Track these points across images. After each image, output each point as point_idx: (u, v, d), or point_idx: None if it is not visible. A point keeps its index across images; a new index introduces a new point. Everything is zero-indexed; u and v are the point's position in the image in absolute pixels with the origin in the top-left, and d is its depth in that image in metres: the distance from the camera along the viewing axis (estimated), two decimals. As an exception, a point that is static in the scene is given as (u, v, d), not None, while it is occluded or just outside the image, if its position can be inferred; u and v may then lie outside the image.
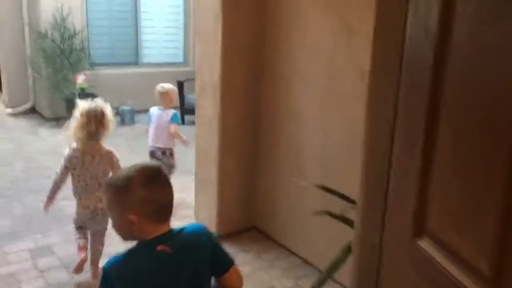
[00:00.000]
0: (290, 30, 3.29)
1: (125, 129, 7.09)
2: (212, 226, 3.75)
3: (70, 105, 6.89)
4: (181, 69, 8.35)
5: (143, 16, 7.90)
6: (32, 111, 7.78)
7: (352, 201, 2.19)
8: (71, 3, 6.94)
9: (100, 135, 2.95)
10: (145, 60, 8.10)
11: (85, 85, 6.95)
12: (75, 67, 6.91)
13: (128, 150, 5.89)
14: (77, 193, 3.03)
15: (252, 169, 3.75)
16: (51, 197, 3.07)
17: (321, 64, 3.07)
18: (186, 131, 7.20)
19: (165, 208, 1.54)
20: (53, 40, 6.86)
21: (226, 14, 3.35)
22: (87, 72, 7.02)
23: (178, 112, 4.72)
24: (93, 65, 7.16)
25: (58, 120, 7.24)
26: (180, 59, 8.50)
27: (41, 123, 7.22)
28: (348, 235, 2.32)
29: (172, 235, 1.55)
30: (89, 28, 7.39)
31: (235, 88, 3.56)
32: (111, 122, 2.99)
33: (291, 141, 3.40)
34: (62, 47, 6.86)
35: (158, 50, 8.25)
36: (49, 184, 3.12)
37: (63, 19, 6.87)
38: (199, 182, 3.92)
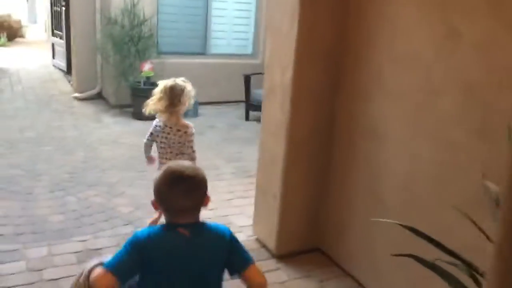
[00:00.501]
0: (376, 34, 2.81)
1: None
2: (271, 242, 3.38)
3: (135, 93, 6.77)
4: (249, 61, 8.02)
5: (213, 5, 7.61)
6: (99, 97, 7.76)
7: (455, 255, 1.73)
8: (142, -11, 6.77)
9: (178, 109, 3.33)
10: (213, 50, 7.83)
11: (150, 74, 6.77)
12: (142, 55, 6.74)
13: None
14: (161, 158, 3.40)
15: (321, 185, 3.33)
16: (148, 157, 3.57)
17: (415, 76, 2.57)
18: (249, 128, 7.03)
19: (181, 210, 1.67)
20: (122, 27, 6.71)
21: (304, 10, 2.92)
22: (154, 60, 6.83)
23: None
24: (160, 53, 6.97)
25: (122, 107, 7.15)
26: (249, 51, 8.16)
27: (105, 110, 7.16)
28: (434, 283, 1.88)
29: (195, 224, 1.70)
30: (159, 16, 7.20)
31: (308, 94, 3.14)
32: (188, 99, 3.37)
33: (368, 162, 2.94)
34: (130, 33, 6.70)
35: (227, 40, 7.95)
36: (105, 178, 3.71)
37: (133, 5, 6.71)
38: (260, 193, 3.55)
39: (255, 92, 7.07)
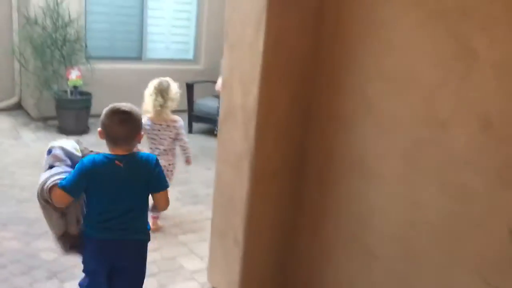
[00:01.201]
0: (362, 47, 2.31)
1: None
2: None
3: (61, 105, 5.93)
4: (190, 67, 7.37)
5: (149, 4, 6.88)
6: (18, 107, 6.79)
7: None
8: (67, -15, 5.92)
9: (167, 105, 3.63)
10: (150, 55, 7.10)
11: (78, 82, 5.95)
12: (68, 61, 5.90)
13: None
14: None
15: (293, 229, 2.79)
16: None
17: (413, 102, 2.09)
18: (194, 143, 6.23)
19: (117, 139, 2.13)
20: (43, 28, 5.84)
21: (272, 18, 2.37)
22: (82, 67, 6.01)
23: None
24: (89, 58, 6.14)
25: (45, 120, 6.27)
26: (190, 55, 7.49)
27: (25, 123, 6.23)
28: None
29: (127, 156, 2.16)
30: (87, 16, 6.37)
31: (276, 119, 2.59)
32: (175, 94, 3.68)
33: (352, 204, 2.43)
34: (54, 36, 5.85)
35: (165, 44, 7.25)
36: (23, 213, 3.53)
37: (57, 4, 5.85)
38: (217, 235, 2.96)
39: (199, 102, 6.44)
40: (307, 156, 2.67)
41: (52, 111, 6.14)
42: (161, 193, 2.23)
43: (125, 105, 2.14)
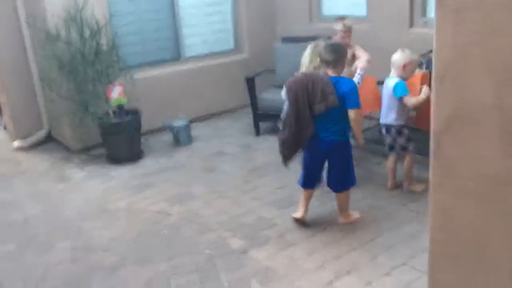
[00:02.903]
0: None
1: (184, 153, 5.12)
2: None
3: (106, 130, 4.94)
4: (234, 58, 6.34)
5: (179, -7, 5.81)
6: (48, 140, 5.77)
7: None
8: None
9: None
10: (189, 53, 6.06)
11: (123, 100, 4.94)
12: (105, 76, 4.88)
13: (203, 190, 3.99)
14: None
15: None
16: None
17: None
18: (266, 147, 5.04)
19: None
20: (68, 42, 4.80)
21: None
22: (121, 80, 4.99)
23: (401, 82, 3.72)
24: (123, 69, 5.09)
25: (89, 151, 5.28)
26: (231, 45, 6.45)
27: (66, 158, 5.22)
28: None
29: None
30: (112, 20, 5.30)
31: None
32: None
33: None
34: (83, 50, 4.80)
35: (202, 37, 6.19)
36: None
37: (80, 11, 4.80)
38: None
39: (264, 96, 5.43)
40: None
41: (94, 139, 5.15)
42: None
43: None
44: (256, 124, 5.44)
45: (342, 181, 3.44)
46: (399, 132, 3.76)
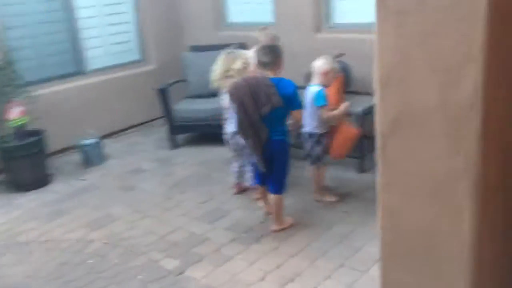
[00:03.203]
0: None
1: (97, 173, 4.79)
2: None
3: (8, 154, 4.48)
4: (140, 69, 6.09)
5: (77, 3, 5.44)
6: None
7: None
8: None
9: None
10: (93, 65, 5.69)
11: (23, 120, 4.49)
12: (2, 95, 4.41)
13: (124, 211, 3.75)
14: None
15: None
16: None
17: None
18: (187, 161, 4.83)
19: None
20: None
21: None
22: (19, 99, 4.54)
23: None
24: (21, 86, 4.63)
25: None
26: (136, 56, 6.18)
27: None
28: None
29: None
30: (5, 33, 4.81)
31: (497, 117, 1.71)
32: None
33: None
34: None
35: (105, 48, 5.86)
36: None
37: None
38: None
39: (178, 107, 5.25)
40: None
41: (-7, 166, 4.63)
42: None
43: None
44: (172, 137, 5.25)
45: (280, 182, 3.45)
46: (318, 141, 3.70)
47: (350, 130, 3.78)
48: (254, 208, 3.81)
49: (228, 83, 3.54)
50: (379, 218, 2.06)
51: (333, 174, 4.15)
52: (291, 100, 3.28)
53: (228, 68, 3.70)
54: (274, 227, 3.49)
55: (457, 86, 1.64)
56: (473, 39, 1.57)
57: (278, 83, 3.26)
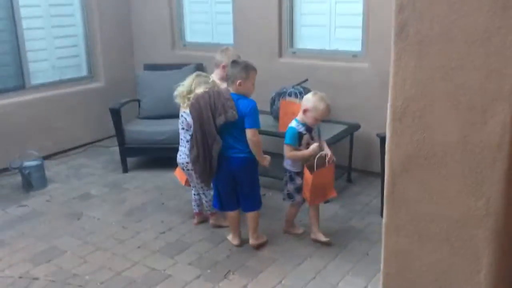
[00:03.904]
0: None
1: (40, 198, 4.34)
2: None
3: None
4: (88, 86, 5.70)
5: (22, 13, 5.01)
6: None
7: None
8: None
9: None
10: (36, 80, 5.25)
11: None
12: None
13: (73, 242, 3.35)
14: None
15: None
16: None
17: None
18: (140, 185, 4.51)
19: None
20: None
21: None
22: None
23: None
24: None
25: None
26: (83, 72, 5.78)
27: None
28: None
29: None
30: None
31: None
32: None
33: None
34: None
35: (50, 62, 5.43)
36: None
37: None
38: None
39: (131, 128, 4.91)
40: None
41: None
42: None
43: None
44: (124, 160, 4.89)
45: (252, 200, 3.36)
46: (291, 178, 3.45)
47: (306, 176, 3.35)
48: (218, 240, 3.55)
49: (185, 104, 3.44)
50: (383, 263, 1.90)
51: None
52: (246, 117, 3.16)
53: (191, 90, 3.49)
54: (252, 241, 3.43)
55: (483, 125, 1.53)
56: (503, 75, 1.47)
57: (238, 99, 3.17)
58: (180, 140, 3.63)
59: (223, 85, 3.86)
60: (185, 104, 3.45)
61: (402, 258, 1.82)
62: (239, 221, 3.47)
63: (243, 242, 3.48)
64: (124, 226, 3.82)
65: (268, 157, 3.38)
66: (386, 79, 4.91)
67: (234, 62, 3.29)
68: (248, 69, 3.22)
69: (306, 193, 3.39)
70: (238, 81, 3.17)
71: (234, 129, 3.18)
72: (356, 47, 4.62)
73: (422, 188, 1.70)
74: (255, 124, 3.20)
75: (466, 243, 1.65)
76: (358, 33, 4.57)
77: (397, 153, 1.72)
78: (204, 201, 3.74)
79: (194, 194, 3.75)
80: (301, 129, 3.36)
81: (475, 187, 1.59)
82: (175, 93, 3.56)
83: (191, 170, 3.49)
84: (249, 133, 3.18)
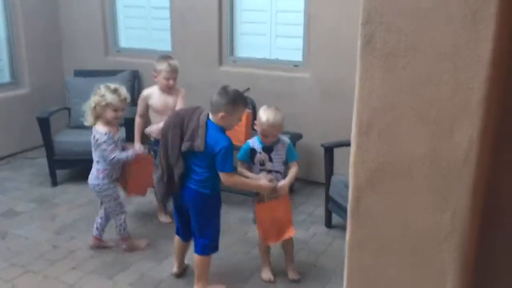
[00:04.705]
0: None
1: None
2: None
3: None
4: (12, 93, 5.29)
5: None
6: None
7: None
8: None
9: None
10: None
11: None
12: None
13: None
14: None
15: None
16: None
17: None
18: (75, 199, 4.18)
19: None
20: None
21: None
22: None
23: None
24: None
25: None
26: (6, 78, 5.36)
27: None
28: None
29: None
30: None
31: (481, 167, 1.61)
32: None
33: None
34: None
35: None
36: None
37: None
38: None
39: (60, 139, 4.58)
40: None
41: None
42: None
43: None
44: (53, 172, 4.55)
45: (201, 242, 2.90)
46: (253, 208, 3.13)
47: (255, 209, 3.06)
48: (160, 258, 3.37)
49: (97, 122, 3.25)
50: (346, 279, 1.85)
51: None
52: (217, 158, 2.73)
53: (97, 105, 3.26)
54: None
55: (450, 139, 1.52)
56: (471, 89, 1.47)
57: (213, 129, 2.75)
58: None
59: (165, 96, 3.69)
60: (92, 121, 3.26)
61: (366, 274, 1.78)
62: (183, 250, 3.13)
63: (183, 273, 3.18)
64: (55, 245, 3.53)
65: (262, 180, 2.92)
66: (327, 89, 5.01)
67: (223, 90, 2.79)
68: (236, 103, 2.76)
69: (257, 229, 3.07)
70: (221, 114, 2.73)
71: (194, 157, 2.79)
72: (297, 56, 4.63)
73: (388, 202, 1.66)
74: (226, 168, 2.73)
75: (431, 258, 1.64)
76: (299, 42, 4.58)
77: (362, 167, 1.67)
78: (116, 225, 3.42)
79: (100, 217, 3.47)
80: (257, 146, 3.04)
81: (441, 201, 1.58)
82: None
83: (104, 192, 3.30)
84: (221, 176, 2.78)
